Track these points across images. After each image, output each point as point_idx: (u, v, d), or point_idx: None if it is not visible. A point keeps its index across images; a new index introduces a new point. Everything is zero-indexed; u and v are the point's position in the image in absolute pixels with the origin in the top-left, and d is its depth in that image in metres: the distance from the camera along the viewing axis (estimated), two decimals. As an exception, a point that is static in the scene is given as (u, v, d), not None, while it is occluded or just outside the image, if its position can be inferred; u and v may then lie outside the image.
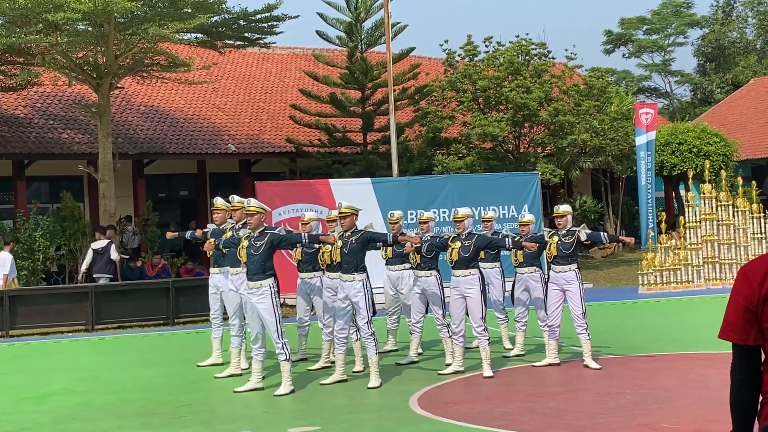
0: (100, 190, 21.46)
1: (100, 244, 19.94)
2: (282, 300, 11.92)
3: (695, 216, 22.50)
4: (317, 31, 28.12)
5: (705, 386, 10.29)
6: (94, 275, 20.07)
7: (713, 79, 57.11)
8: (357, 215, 11.63)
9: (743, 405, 3.30)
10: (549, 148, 28.82)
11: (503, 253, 13.56)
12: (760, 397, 3.29)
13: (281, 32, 24.51)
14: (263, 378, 11.42)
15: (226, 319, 13.04)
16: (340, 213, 11.59)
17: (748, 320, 3.25)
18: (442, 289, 12.39)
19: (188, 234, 13.73)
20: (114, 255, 20.04)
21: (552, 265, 12.20)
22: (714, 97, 54.84)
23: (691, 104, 58.82)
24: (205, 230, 13.30)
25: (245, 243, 11.06)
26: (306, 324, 13.37)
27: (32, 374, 13.37)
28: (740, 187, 23.05)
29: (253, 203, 11.30)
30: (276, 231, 11.30)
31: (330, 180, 22.75)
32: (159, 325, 18.71)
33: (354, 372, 12.08)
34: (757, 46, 58.11)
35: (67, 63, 20.86)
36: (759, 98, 42.89)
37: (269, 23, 24.11)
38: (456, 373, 11.78)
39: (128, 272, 22.96)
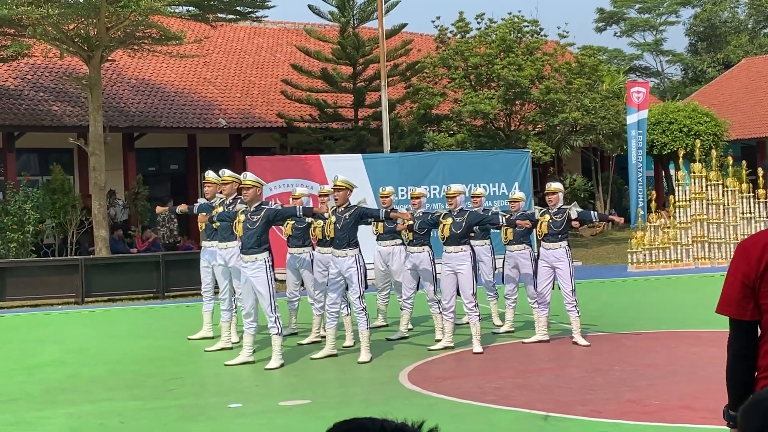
0: (91, 163, 21.38)
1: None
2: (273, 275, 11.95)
3: (685, 195, 22.58)
4: (309, 6, 28.01)
5: (693, 364, 10.37)
6: None
7: (704, 59, 57.11)
8: (351, 191, 11.65)
9: (739, 379, 3.33)
10: (540, 126, 28.82)
11: (493, 230, 13.58)
12: (756, 372, 3.32)
13: (273, 6, 24.32)
14: (254, 352, 11.46)
15: (217, 292, 13.07)
16: (334, 186, 11.60)
17: (745, 295, 3.27)
18: (434, 265, 12.43)
19: (178, 209, 13.74)
20: None
21: (542, 243, 12.25)
22: (705, 76, 54.86)
23: (682, 83, 58.83)
24: (191, 205, 13.31)
25: (241, 217, 11.08)
26: (296, 299, 13.41)
27: (22, 346, 13.40)
28: (730, 167, 23.12)
29: (249, 177, 11.33)
30: (272, 206, 11.34)
31: (321, 156, 22.71)
32: (149, 299, 18.74)
33: (344, 347, 12.14)
34: (749, 26, 58.08)
35: (58, 35, 20.73)
36: (750, 78, 42.93)
37: (261, -3, 23.99)
38: (446, 348, 11.84)
39: (119, 245, 22.96)
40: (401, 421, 1.60)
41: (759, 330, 3.34)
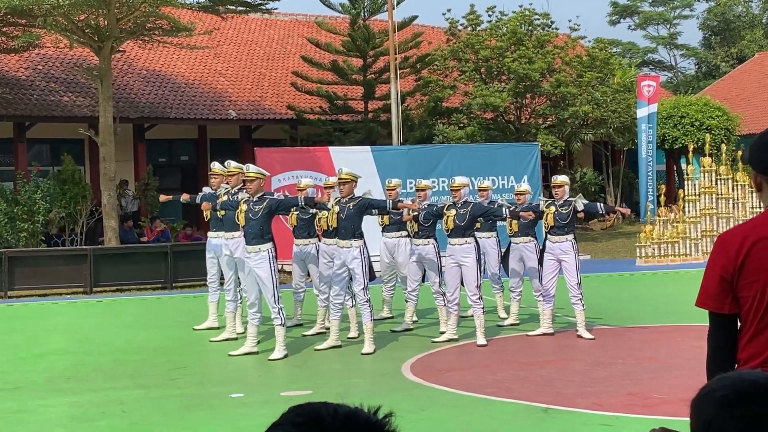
0: (101, 153, 21.44)
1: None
2: (280, 266, 11.98)
3: (695, 189, 22.49)
4: (320, -2, 28.01)
5: (696, 358, 10.23)
6: None
7: (718, 53, 56.88)
8: (356, 182, 11.66)
9: (719, 372, 3.31)
10: (550, 119, 28.77)
11: (499, 222, 13.57)
12: (736, 365, 3.31)
13: (284, -2, 24.42)
14: (258, 342, 11.49)
15: (223, 283, 13.10)
16: (339, 179, 11.62)
17: (723, 289, 3.26)
18: (440, 257, 12.44)
19: (181, 198, 13.76)
20: None
21: (548, 236, 12.23)
22: (719, 71, 54.64)
23: (695, 78, 58.63)
24: (194, 195, 13.34)
25: (244, 207, 11.10)
26: (302, 290, 13.42)
27: (29, 334, 13.46)
28: (740, 161, 23.01)
29: (252, 168, 11.35)
30: (274, 196, 11.37)
31: (330, 147, 22.73)
32: (157, 289, 18.78)
33: (348, 338, 12.15)
34: (763, 21, 57.80)
35: (68, 25, 20.78)
36: (763, 72, 42.72)
37: (272, -11, 24.00)
38: (450, 340, 11.85)
39: (129, 236, 23.03)
40: (356, 406, 1.61)
41: (739, 322, 3.33)
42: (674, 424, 2.23)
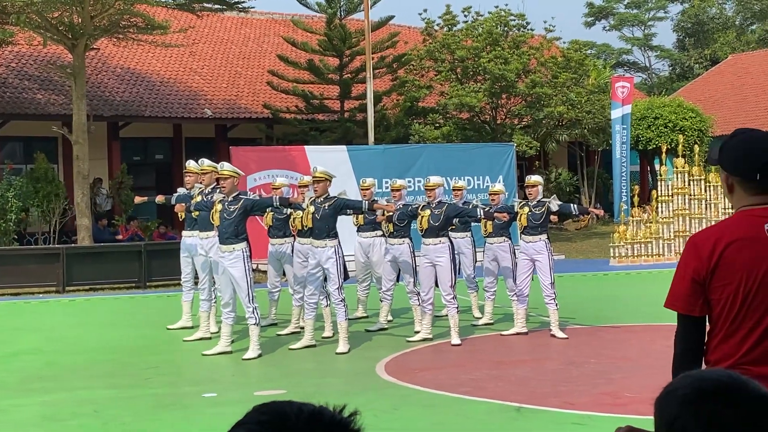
0: (74, 151, 21.32)
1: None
2: (255, 266, 11.94)
3: (668, 190, 22.63)
4: (296, -3, 27.98)
5: (669, 357, 10.27)
6: None
7: (692, 55, 57.24)
8: (330, 181, 11.66)
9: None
10: (525, 119, 28.88)
11: (473, 223, 13.60)
12: (704, 366, 3.33)
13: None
14: (232, 342, 11.47)
15: (197, 282, 13.06)
16: (314, 177, 11.61)
17: (694, 291, 3.25)
18: (414, 257, 12.46)
19: (156, 199, 13.72)
20: None
21: (522, 236, 12.28)
22: (693, 72, 54.99)
23: (669, 79, 58.97)
24: (169, 195, 13.31)
25: (218, 207, 11.08)
26: (276, 290, 13.40)
27: (1, 334, 13.35)
28: (707, 162, 23.17)
29: (226, 167, 11.33)
30: (249, 196, 11.35)
31: (306, 147, 22.71)
32: (131, 288, 18.68)
33: (323, 338, 12.15)
34: (736, 23, 58.23)
35: (42, 23, 20.65)
36: (736, 74, 43.03)
37: (248, -13, 23.92)
38: (424, 340, 11.87)
39: (104, 234, 22.91)
40: (321, 405, 1.61)
41: (708, 324, 3.34)
42: (645, 423, 2.24)
